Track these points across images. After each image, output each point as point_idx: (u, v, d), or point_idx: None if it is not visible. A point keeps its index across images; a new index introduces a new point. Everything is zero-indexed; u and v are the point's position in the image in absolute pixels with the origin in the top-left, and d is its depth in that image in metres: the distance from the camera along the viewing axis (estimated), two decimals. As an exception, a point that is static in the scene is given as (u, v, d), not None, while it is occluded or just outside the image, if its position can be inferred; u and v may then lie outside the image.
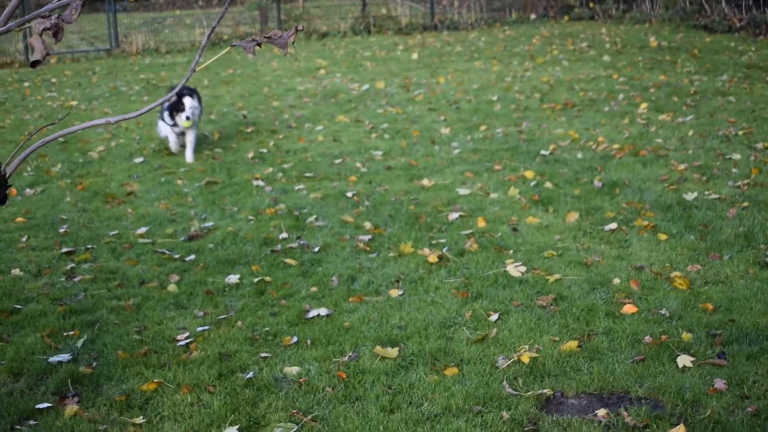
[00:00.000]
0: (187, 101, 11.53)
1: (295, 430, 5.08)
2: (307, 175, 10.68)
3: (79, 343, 6.30)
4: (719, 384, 5.35)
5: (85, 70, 20.45)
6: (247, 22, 27.27)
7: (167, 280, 7.49)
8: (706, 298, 6.65)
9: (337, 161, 11.27)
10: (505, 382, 5.51)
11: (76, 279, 7.59)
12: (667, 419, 5.03)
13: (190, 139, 11.87)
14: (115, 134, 13.35)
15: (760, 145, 10.85)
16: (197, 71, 3.66)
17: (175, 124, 11.75)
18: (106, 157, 12.02)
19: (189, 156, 11.85)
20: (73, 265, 7.94)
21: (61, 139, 12.86)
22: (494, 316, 6.48)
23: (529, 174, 10.11)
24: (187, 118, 11.51)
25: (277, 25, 26.56)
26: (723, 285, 6.90)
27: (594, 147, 11.28)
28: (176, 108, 11.61)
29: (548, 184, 9.71)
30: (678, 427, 4.89)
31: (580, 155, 10.92)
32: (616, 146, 11.17)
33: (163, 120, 11.96)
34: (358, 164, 11.05)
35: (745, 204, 8.68)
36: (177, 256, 8.08)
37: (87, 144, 12.73)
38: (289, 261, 7.79)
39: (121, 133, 13.42)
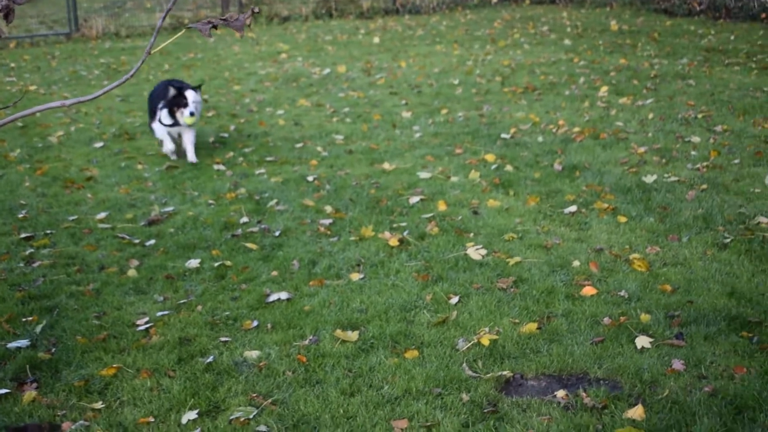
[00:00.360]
0: (190, 95, 10.33)
1: (255, 414, 5.08)
2: (268, 159, 10.65)
3: (38, 328, 6.26)
4: (677, 365, 5.40)
5: (45, 54, 20.25)
6: (207, 6, 27.13)
7: (127, 265, 7.45)
8: (665, 279, 6.70)
9: (298, 145, 11.24)
10: (465, 365, 5.53)
11: (35, 264, 7.53)
12: (625, 400, 5.07)
13: (189, 138, 10.74)
14: (75, 119, 13.25)
15: (719, 128, 10.93)
16: (156, 55, 3.63)
17: (174, 123, 10.48)
18: (66, 141, 11.91)
19: (191, 156, 10.71)
20: (32, 250, 7.88)
21: (19, 124, 12.76)
22: (454, 299, 6.50)
23: (489, 157, 10.12)
24: (191, 114, 10.27)
25: (238, 9, 26.43)
26: (681, 266, 6.95)
27: (554, 130, 11.32)
28: (176, 103, 10.35)
29: (509, 168, 9.73)
30: (636, 407, 4.92)
31: (540, 138, 10.95)
32: (576, 129, 11.21)
33: (159, 121, 10.60)
34: (319, 148, 11.03)
35: (704, 186, 8.74)
36: (137, 241, 8.04)
37: (46, 129, 12.62)
38: (249, 245, 7.77)
39: (80, 118, 13.31)
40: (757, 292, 6.39)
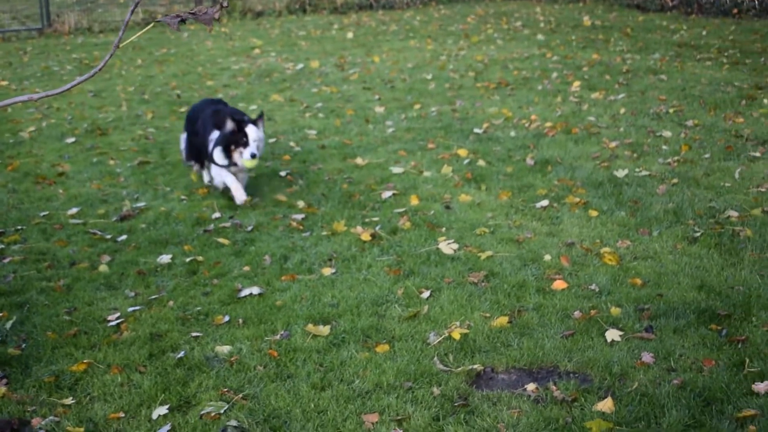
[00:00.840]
0: (252, 131, 8.55)
1: (225, 408, 5.07)
2: (241, 154, 10.62)
3: (8, 324, 6.23)
4: (646, 357, 5.43)
5: (17, 50, 20.14)
6: (181, 1, 27.03)
7: (98, 261, 7.43)
8: (635, 273, 6.73)
9: (271, 140, 11.22)
10: (436, 359, 5.54)
11: (6, 260, 7.50)
12: (595, 393, 5.09)
13: (243, 176, 9.07)
14: (46, 114, 13.18)
15: (690, 123, 10.99)
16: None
17: (231, 164, 8.74)
18: (37, 137, 11.85)
19: (240, 197, 8.81)
20: (3, 246, 7.84)
21: (-10, 120, 12.70)
22: (426, 293, 6.51)
23: (462, 152, 10.14)
24: (253, 155, 8.53)
25: (211, 3, 26.36)
26: (652, 260, 6.99)
27: (527, 125, 11.35)
28: (234, 141, 8.60)
29: (481, 162, 9.75)
30: (605, 400, 4.95)
31: (513, 133, 10.98)
32: (548, 124, 11.24)
33: (213, 162, 8.79)
34: (291, 143, 11.01)
35: (675, 180, 8.79)
36: (108, 236, 8.02)
37: (17, 124, 12.55)
38: (221, 240, 7.76)
39: (52, 114, 13.24)
40: (727, 286, 6.43)
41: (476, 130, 11.18)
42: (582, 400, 5.01)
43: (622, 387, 5.14)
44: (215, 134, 8.78)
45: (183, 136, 9.82)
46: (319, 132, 11.59)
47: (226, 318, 6.26)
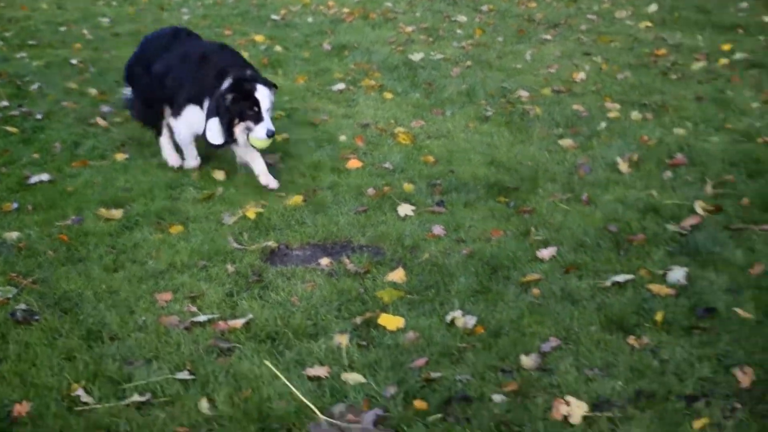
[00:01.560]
0: (263, 95, 6.09)
1: (14, 293, 4.95)
2: (30, 43, 10.26)
3: None
4: (437, 230, 5.56)
5: None
6: None
7: None
8: (428, 151, 6.85)
9: (62, 29, 10.87)
10: (230, 237, 5.54)
11: None
12: (387, 264, 5.18)
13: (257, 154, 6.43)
14: None
15: (485, 8, 11.18)
16: None
17: (230, 141, 6.18)
18: None
19: (270, 180, 6.31)
20: None
21: None
22: (221, 176, 6.46)
23: (259, 38, 10.06)
24: (270, 134, 6.06)
25: None
26: (445, 139, 7.12)
27: (324, 11, 11.32)
28: (240, 112, 6.07)
29: (278, 48, 9.70)
30: (397, 270, 5.05)
31: (310, 19, 10.94)
32: (346, 10, 11.25)
33: (206, 140, 6.21)
34: (84, 31, 10.70)
35: (469, 63, 8.94)
36: None
37: None
38: (9, 129, 7.50)
39: None
40: (516, 161, 6.61)
41: (273, 17, 11.09)
42: (374, 272, 5.10)
43: (413, 258, 5.25)
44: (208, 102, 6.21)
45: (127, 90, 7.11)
46: (113, 20, 11.29)
47: (15, 205, 6.07)
